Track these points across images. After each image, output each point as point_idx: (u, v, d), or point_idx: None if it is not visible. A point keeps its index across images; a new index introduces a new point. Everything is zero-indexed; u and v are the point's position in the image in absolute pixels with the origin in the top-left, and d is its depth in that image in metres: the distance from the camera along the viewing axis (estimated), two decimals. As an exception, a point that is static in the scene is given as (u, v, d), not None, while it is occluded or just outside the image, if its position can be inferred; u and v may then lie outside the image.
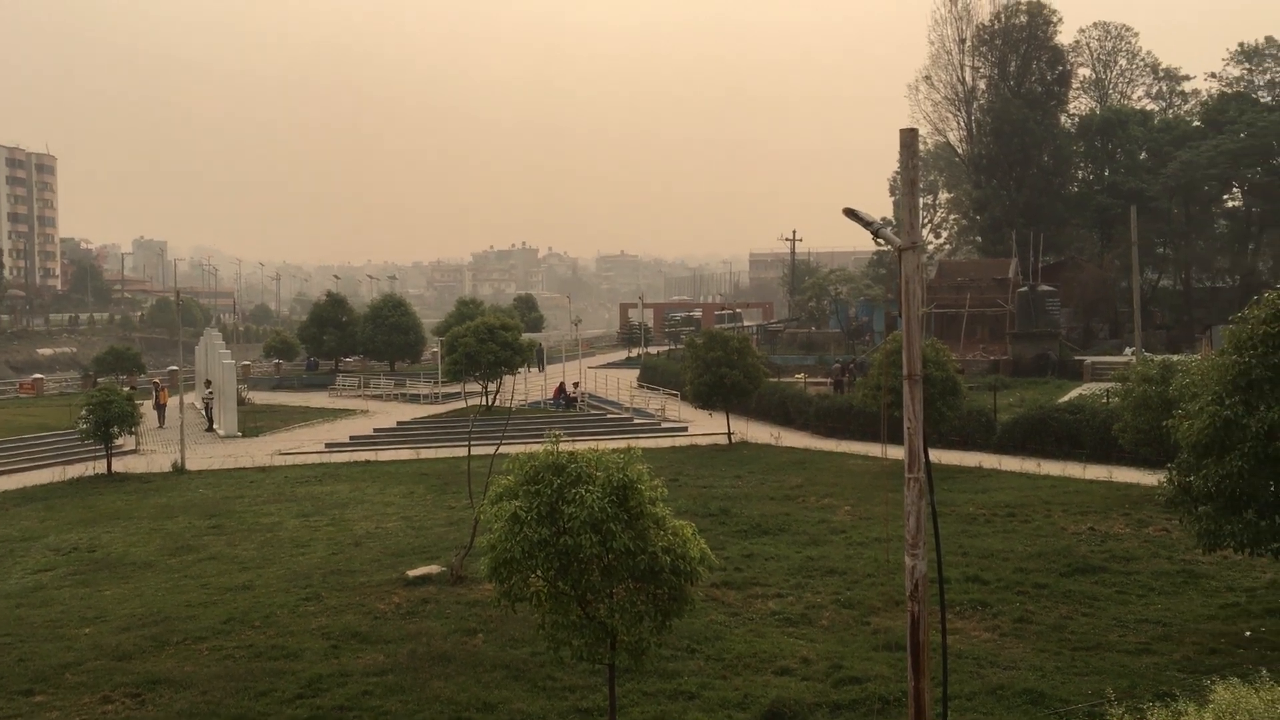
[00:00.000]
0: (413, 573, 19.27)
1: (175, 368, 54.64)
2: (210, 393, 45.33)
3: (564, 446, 11.67)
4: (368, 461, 34.63)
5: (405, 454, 36.01)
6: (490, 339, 41.70)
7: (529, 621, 12.66)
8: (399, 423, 42.59)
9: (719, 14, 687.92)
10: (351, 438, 39.75)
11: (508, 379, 42.49)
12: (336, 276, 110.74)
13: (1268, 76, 74.88)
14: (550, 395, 47.90)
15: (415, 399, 52.89)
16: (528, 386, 48.85)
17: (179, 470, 33.22)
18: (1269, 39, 75.80)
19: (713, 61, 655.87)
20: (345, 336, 65.56)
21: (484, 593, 16.75)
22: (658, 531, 11.10)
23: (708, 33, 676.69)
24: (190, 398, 46.38)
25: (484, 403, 44.10)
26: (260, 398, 54.24)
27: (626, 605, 11.02)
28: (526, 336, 49.32)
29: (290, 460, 35.30)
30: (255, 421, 44.48)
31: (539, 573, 10.92)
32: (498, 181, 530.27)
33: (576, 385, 48.32)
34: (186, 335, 62.84)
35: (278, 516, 25.67)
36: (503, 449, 18.15)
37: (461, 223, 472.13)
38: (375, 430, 40.96)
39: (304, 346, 68.33)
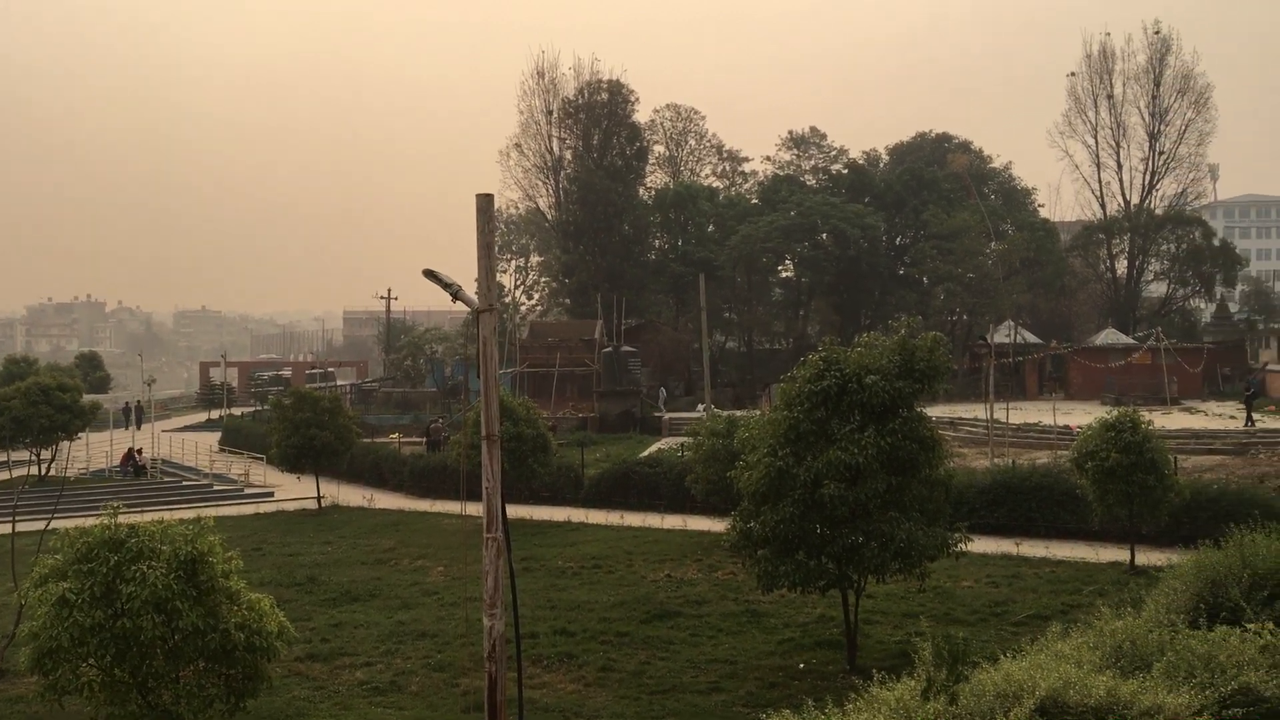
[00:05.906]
0: (-62, 672, 16.74)
1: None
2: None
3: (129, 519, 10.76)
4: (-117, 545, 29.81)
5: (-66, 534, 31.37)
6: (44, 401, 37.81)
7: (81, 715, 11.40)
8: (-74, 498, 37.12)
9: (318, 62, 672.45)
10: None
11: (64, 445, 38.49)
12: None
13: (812, 162, 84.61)
14: (117, 462, 43.88)
15: (-51, 470, 46.31)
16: (89, 454, 44.46)
17: None
18: (813, 129, 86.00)
19: (313, 110, 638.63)
20: None
21: (28, 687, 14.85)
22: (231, 607, 10.47)
23: (308, 81, 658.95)
24: None
25: (34, 472, 39.56)
26: None
27: (195, 689, 10.27)
28: (90, 398, 45.08)
29: None
30: None
31: (92, 661, 9.92)
32: (58, 226, 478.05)
33: (141, 451, 44.56)
34: None
35: None
36: (54, 524, 16.33)
37: (13, 271, 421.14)
38: (-105, 508, 35.40)
39: None
